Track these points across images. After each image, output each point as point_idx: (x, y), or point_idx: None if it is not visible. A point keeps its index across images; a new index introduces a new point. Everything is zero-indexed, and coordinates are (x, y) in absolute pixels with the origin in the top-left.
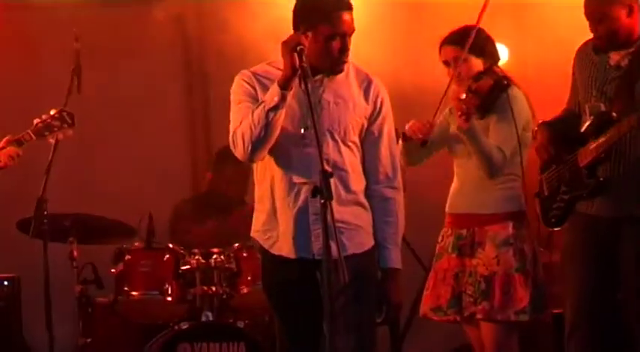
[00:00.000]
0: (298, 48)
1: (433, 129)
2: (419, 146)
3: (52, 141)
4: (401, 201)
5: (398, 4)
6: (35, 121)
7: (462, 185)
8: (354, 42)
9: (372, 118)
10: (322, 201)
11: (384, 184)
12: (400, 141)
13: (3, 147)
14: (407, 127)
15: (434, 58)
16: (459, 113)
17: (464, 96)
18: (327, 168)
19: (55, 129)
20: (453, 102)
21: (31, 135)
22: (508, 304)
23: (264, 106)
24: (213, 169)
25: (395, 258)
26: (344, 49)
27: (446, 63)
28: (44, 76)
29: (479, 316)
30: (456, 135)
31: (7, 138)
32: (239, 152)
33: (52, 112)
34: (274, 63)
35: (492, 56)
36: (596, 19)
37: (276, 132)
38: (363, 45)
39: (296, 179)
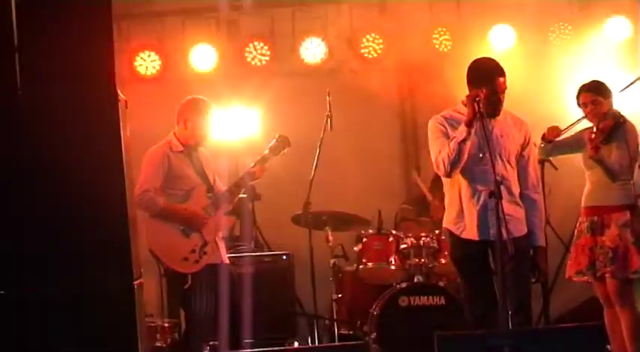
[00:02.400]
0: (477, 99)
1: (559, 136)
2: (547, 143)
3: (279, 157)
4: (542, 201)
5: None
6: (268, 145)
7: (593, 187)
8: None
9: (524, 146)
10: (496, 201)
11: (531, 190)
12: (540, 140)
13: (255, 165)
14: (546, 130)
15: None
16: (591, 145)
17: (594, 135)
18: (499, 179)
19: (280, 149)
20: (587, 138)
21: (270, 155)
22: (627, 267)
23: (456, 139)
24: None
25: (541, 239)
26: (499, 102)
27: (584, 104)
28: (309, 119)
29: (607, 275)
30: (587, 160)
31: (256, 161)
32: (441, 171)
33: (275, 138)
34: (455, 109)
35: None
36: None
37: (465, 157)
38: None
39: (478, 187)
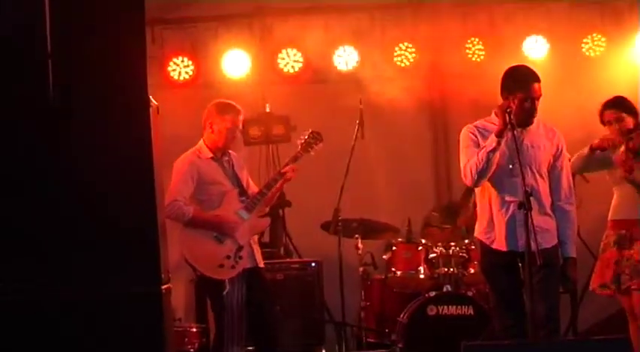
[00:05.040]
0: (508, 109)
1: (609, 148)
2: (593, 156)
3: (313, 153)
4: (575, 212)
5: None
6: (299, 142)
7: (621, 201)
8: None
9: (556, 157)
10: (525, 212)
11: (563, 201)
12: (587, 151)
13: (287, 164)
14: (596, 142)
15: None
16: (625, 167)
17: (624, 156)
18: (528, 190)
19: (313, 145)
20: (619, 160)
21: (301, 152)
22: None
23: (486, 149)
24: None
25: (572, 250)
26: (533, 110)
27: (608, 122)
28: (340, 126)
29: (634, 287)
30: (615, 175)
31: (287, 160)
32: (468, 180)
33: (306, 134)
34: (488, 119)
35: (637, 114)
36: None
37: (493, 167)
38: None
39: (508, 198)
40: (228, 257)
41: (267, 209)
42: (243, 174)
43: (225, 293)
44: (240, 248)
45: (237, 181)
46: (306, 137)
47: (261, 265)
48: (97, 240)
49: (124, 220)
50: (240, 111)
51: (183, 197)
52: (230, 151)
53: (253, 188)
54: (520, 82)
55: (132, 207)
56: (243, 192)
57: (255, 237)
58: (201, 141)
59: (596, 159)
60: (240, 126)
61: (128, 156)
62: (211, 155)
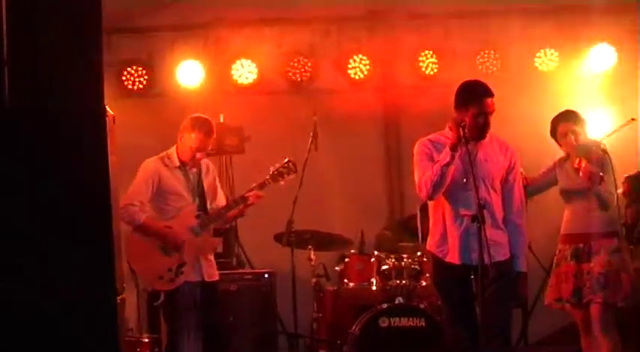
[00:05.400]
0: (462, 123)
1: (527, 183)
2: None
3: (283, 183)
4: (526, 226)
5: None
6: (271, 169)
7: (574, 215)
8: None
9: (508, 171)
10: (478, 225)
11: (515, 215)
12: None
13: (252, 190)
14: None
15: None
16: (590, 179)
17: (590, 168)
18: (482, 203)
19: (285, 175)
20: (585, 174)
21: (269, 180)
22: (617, 293)
23: (440, 163)
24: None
25: (522, 265)
26: (486, 124)
27: (562, 134)
28: (294, 138)
29: (598, 300)
30: (568, 189)
31: (254, 185)
32: (423, 194)
33: (282, 163)
34: (441, 133)
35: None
36: None
37: (448, 180)
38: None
39: (462, 211)
40: (170, 270)
41: (227, 226)
42: (211, 189)
43: (157, 304)
44: (183, 264)
45: (199, 194)
46: (280, 166)
47: (214, 278)
48: (49, 247)
49: (79, 230)
50: (211, 132)
51: (140, 201)
52: (204, 161)
53: (220, 200)
54: (473, 98)
55: (87, 217)
56: (202, 206)
57: (209, 255)
58: (173, 148)
59: (534, 187)
60: (209, 147)
61: (84, 166)
62: (178, 164)
